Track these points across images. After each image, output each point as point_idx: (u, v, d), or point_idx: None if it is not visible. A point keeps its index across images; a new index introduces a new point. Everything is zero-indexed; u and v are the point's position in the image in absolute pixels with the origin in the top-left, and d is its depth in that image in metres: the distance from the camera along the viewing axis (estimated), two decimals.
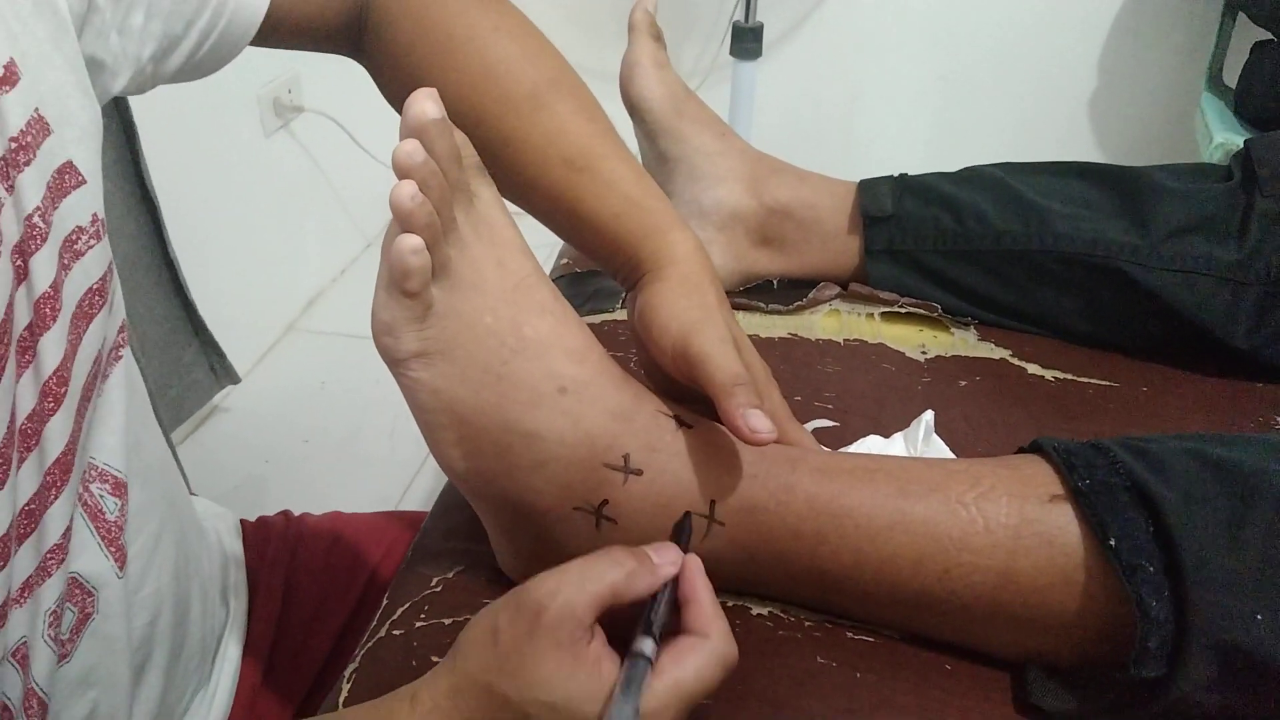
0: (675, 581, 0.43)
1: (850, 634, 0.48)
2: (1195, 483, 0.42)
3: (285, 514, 0.76)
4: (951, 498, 0.45)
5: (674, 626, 0.42)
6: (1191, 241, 0.67)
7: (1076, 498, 0.43)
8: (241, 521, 0.73)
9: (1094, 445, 0.46)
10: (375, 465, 1.62)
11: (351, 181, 2.08)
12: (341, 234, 2.15)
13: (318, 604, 0.69)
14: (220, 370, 1.43)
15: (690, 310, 0.49)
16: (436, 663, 0.48)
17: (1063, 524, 0.43)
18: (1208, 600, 0.40)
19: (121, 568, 0.51)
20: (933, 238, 0.73)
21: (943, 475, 0.47)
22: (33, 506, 0.45)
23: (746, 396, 0.44)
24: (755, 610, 0.50)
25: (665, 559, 0.43)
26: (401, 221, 0.41)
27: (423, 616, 0.50)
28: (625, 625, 0.41)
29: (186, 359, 1.37)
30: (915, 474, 0.47)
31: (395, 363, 0.45)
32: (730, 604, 0.50)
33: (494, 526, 0.50)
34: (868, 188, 0.76)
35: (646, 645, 0.39)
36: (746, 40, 1.63)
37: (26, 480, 0.44)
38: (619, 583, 0.40)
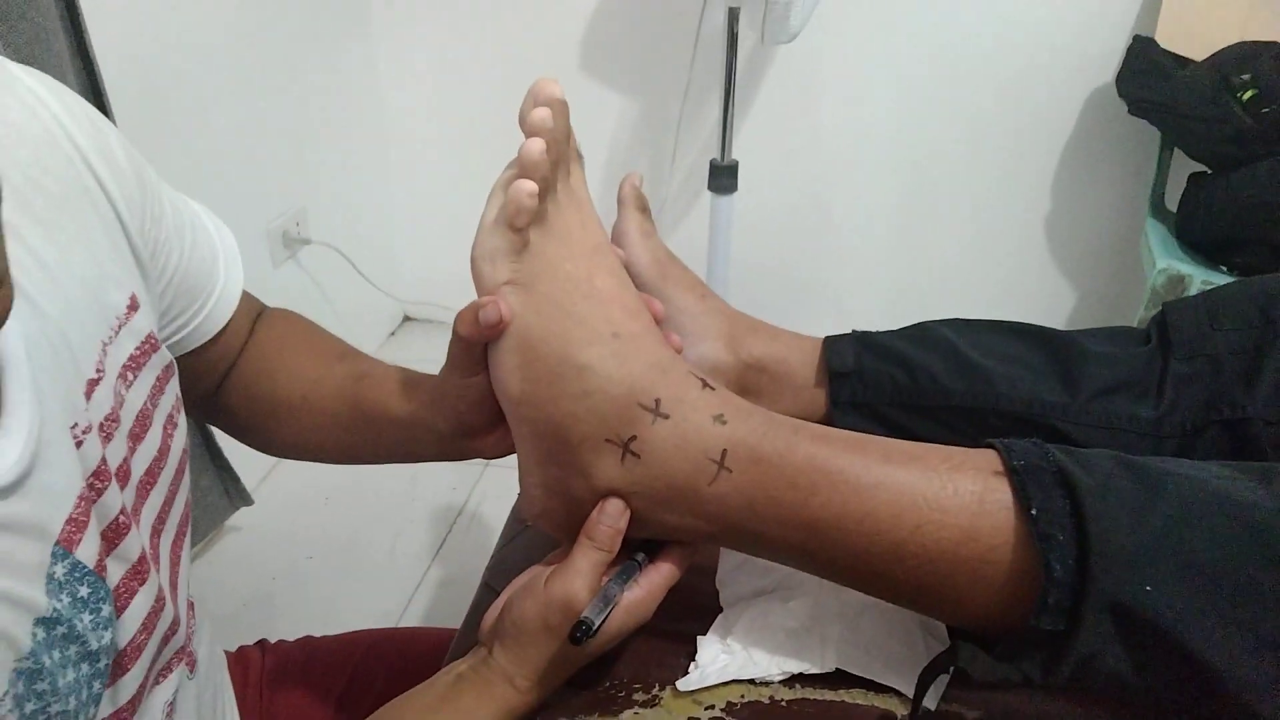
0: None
1: None
2: (1112, 476, 0.49)
3: (262, 643, 0.84)
4: (929, 466, 0.52)
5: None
6: (1115, 401, 0.76)
7: (1010, 474, 0.50)
8: (225, 653, 0.79)
9: (1033, 441, 0.53)
10: (378, 580, 1.65)
11: (353, 307, 2.16)
12: None
13: None
14: (234, 493, 1.48)
15: None
16: None
17: (1011, 498, 0.50)
18: (1105, 569, 0.46)
19: None
20: (891, 392, 0.82)
21: (921, 450, 0.54)
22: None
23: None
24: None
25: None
26: (527, 169, 0.51)
27: None
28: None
29: (204, 483, 1.43)
30: (898, 447, 0.54)
31: (486, 288, 0.54)
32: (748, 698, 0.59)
33: (529, 455, 0.58)
34: (831, 344, 0.84)
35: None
36: (723, 177, 1.73)
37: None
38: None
